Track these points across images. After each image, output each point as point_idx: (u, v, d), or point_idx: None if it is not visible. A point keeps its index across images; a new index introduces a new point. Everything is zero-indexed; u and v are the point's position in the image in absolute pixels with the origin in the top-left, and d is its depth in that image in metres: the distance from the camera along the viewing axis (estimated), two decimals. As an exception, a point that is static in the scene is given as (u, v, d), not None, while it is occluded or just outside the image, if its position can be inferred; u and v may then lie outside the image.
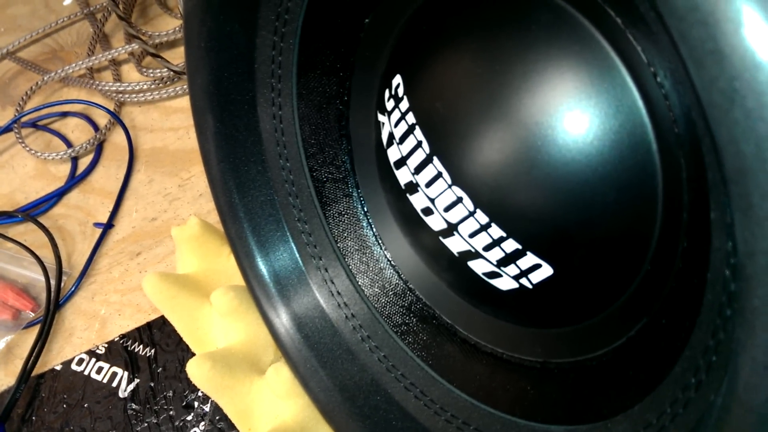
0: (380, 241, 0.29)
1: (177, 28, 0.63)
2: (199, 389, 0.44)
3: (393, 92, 0.23)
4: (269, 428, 0.30)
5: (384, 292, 0.29)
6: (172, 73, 0.60)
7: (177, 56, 0.63)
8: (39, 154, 0.58)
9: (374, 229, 0.29)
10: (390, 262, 0.29)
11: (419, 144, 0.22)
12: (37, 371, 0.47)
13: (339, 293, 0.29)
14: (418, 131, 0.22)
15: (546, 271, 0.20)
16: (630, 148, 0.18)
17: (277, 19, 0.26)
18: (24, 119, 0.60)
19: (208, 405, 0.44)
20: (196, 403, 0.44)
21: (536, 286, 0.21)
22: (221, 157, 0.29)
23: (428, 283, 0.28)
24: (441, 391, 0.25)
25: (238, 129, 0.29)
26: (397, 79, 0.23)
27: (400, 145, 0.23)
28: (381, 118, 0.25)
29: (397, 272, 0.29)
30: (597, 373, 0.22)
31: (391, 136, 0.24)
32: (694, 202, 0.17)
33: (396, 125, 0.23)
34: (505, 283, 0.22)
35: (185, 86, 0.60)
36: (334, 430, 0.28)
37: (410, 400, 0.26)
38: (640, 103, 0.17)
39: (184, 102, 0.61)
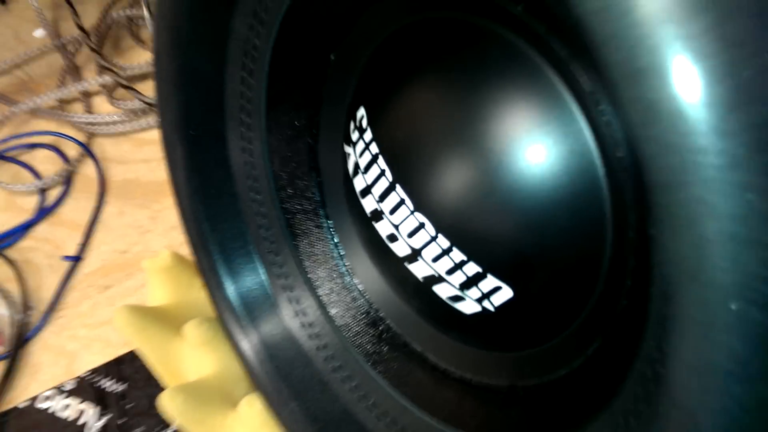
0: (350, 271, 0.31)
1: (150, 61, 0.66)
2: (170, 426, 0.46)
3: (357, 124, 0.25)
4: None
5: (355, 321, 0.31)
6: (144, 105, 0.62)
7: (150, 88, 0.65)
8: (6, 185, 0.60)
9: (344, 260, 0.31)
10: (361, 291, 0.31)
11: (383, 172, 0.24)
12: (1, 408, 0.48)
13: (311, 324, 0.31)
14: (381, 160, 0.24)
15: (507, 293, 0.22)
16: (579, 173, 0.20)
17: (245, 56, 0.28)
18: None
19: None
20: None
21: (498, 308, 0.22)
22: (192, 190, 0.31)
23: (398, 312, 0.29)
24: (412, 418, 0.27)
25: (208, 162, 0.30)
26: (361, 111, 0.25)
27: (364, 175, 0.25)
28: (347, 149, 0.27)
29: (368, 301, 0.30)
30: (558, 393, 0.23)
31: (356, 166, 0.26)
32: (638, 221, 0.19)
33: (360, 155, 0.25)
34: (468, 306, 0.23)
35: (158, 119, 0.62)
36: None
37: (381, 428, 0.27)
38: (586, 130, 0.19)
39: (157, 134, 0.62)
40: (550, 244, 0.21)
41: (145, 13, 0.52)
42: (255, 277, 0.31)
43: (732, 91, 0.11)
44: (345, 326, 0.31)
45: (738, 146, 0.11)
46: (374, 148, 0.24)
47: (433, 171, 0.23)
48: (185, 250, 0.47)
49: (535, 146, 0.20)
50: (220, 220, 0.31)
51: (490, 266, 0.22)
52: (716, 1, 0.11)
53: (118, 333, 0.40)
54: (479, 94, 0.21)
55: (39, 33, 0.73)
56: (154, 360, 0.38)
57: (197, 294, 0.39)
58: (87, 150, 0.63)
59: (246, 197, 0.32)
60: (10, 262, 0.55)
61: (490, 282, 0.22)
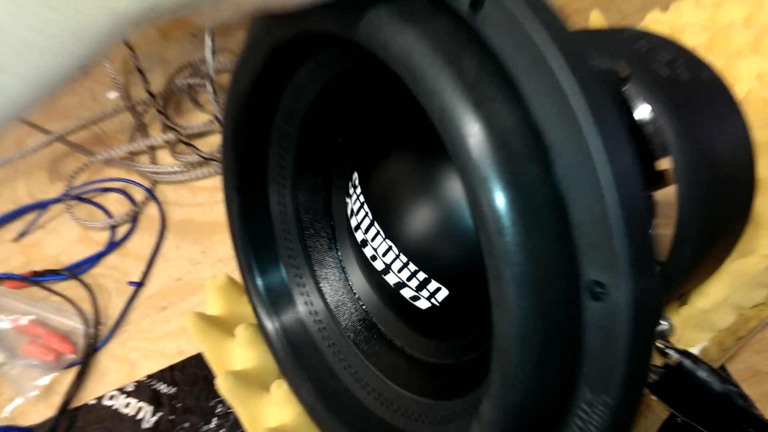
0: (350, 282, 0.41)
1: (205, 122, 0.73)
2: (211, 421, 0.53)
3: (353, 183, 0.36)
4: (273, 427, 0.41)
5: (351, 320, 0.40)
6: (200, 158, 0.69)
7: (205, 144, 0.72)
8: (83, 222, 0.66)
9: (346, 273, 0.41)
10: (356, 297, 0.40)
11: (367, 214, 0.34)
12: (74, 405, 0.55)
13: (320, 321, 0.40)
14: (365, 206, 0.34)
15: (444, 292, 0.32)
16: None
17: (281, 139, 0.38)
18: (72, 193, 0.70)
19: None
20: None
21: (441, 303, 0.32)
22: (242, 228, 0.41)
23: (380, 311, 0.39)
24: (391, 390, 0.36)
25: (254, 210, 0.41)
26: (355, 174, 0.36)
27: (356, 216, 0.35)
28: (347, 200, 0.38)
29: (361, 304, 0.40)
30: (473, 367, 0.32)
31: (352, 211, 0.36)
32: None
33: (354, 203, 0.36)
34: (423, 303, 0.33)
35: (211, 170, 0.70)
36: (318, 427, 0.39)
37: (371, 401, 0.37)
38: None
39: (209, 182, 0.71)
40: (469, 259, 0.30)
41: (209, 87, 0.61)
42: (280, 280, 0.41)
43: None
44: (345, 323, 0.40)
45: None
46: (362, 198, 0.35)
47: (396, 212, 0.33)
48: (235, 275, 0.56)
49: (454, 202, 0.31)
50: (259, 246, 0.41)
51: (432, 274, 0.32)
52: None
53: (188, 332, 0.47)
54: (425, 170, 0.32)
55: (113, 95, 0.78)
56: (211, 354, 0.46)
57: (244, 307, 0.48)
58: (151, 194, 0.69)
59: (279, 234, 0.42)
60: (85, 285, 0.62)
61: (433, 285, 0.32)
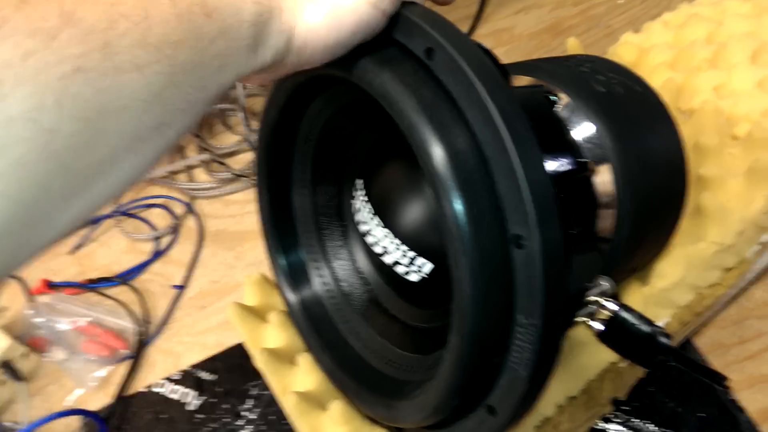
0: (355, 263, 0.50)
1: (236, 142, 0.81)
2: (245, 403, 0.61)
3: (358, 187, 0.46)
4: (300, 391, 0.50)
5: (360, 297, 0.50)
6: (232, 175, 0.78)
7: (236, 162, 0.80)
8: (130, 234, 0.73)
9: (353, 256, 0.50)
10: (364, 279, 0.50)
11: (369, 210, 0.44)
12: (128, 393, 0.62)
13: (331, 293, 0.50)
14: (368, 204, 0.44)
15: (429, 266, 0.41)
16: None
17: (302, 156, 0.49)
18: (120, 209, 0.76)
19: (254, 414, 0.61)
20: (244, 413, 0.60)
21: (428, 275, 0.42)
22: (271, 218, 0.51)
23: (383, 290, 0.48)
24: (393, 352, 0.46)
25: (280, 210, 0.51)
26: (360, 181, 0.46)
27: (361, 212, 0.45)
28: (354, 202, 0.47)
29: (367, 285, 0.50)
30: (440, 334, 0.40)
31: (357, 208, 0.46)
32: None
33: (359, 203, 0.45)
34: (413, 276, 0.42)
35: (242, 185, 0.78)
36: (336, 387, 0.49)
37: (377, 361, 0.46)
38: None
39: (240, 196, 0.79)
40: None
41: (240, 114, 0.70)
42: (298, 258, 0.51)
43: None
44: (351, 294, 0.50)
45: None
46: (365, 198, 0.45)
47: (390, 207, 0.43)
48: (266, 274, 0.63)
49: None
50: (283, 234, 0.51)
51: (419, 252, 0.41)
52: None
53: (230, 320, 0.55)
54: (411, 176, 0.42)
55: None
56: (248, 336, 0.55)
57: (275, 298, 0.56)
58: (190, 208, 0.76)
59: (301, 232, 0.52)
60: (134, 290, 0.69)
61: (420, 260, 0.41)
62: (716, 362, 0.58)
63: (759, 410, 0.54)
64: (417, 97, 0.31)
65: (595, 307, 0.38)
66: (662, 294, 0.50)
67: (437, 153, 0.30)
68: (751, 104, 0.61)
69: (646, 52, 0.69)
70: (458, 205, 0.29)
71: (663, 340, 0.36)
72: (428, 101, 0.31)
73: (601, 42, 0.91)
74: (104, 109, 0.23)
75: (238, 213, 0.77)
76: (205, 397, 0.61)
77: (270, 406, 0.59)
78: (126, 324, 0.67)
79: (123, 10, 0.24)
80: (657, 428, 0.53)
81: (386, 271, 0.44)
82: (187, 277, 0.71)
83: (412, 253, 0.42)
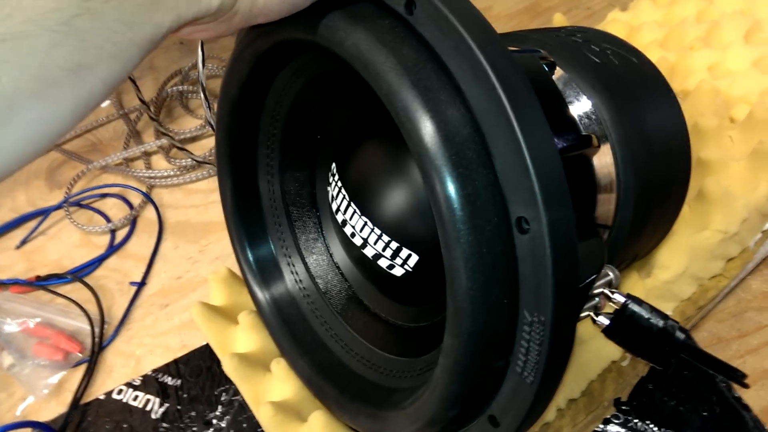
0: (332, 257, 0.46)
1: (197, 126, 0.77)
2: (216, 410, 0.57)
3: (332, 172, 0.42)
4: (276, 401, 0.46)
5: (338, 295, 0.46)
6: (194, 162, 0.74)
7: (198, 148, 0.77)
8: (83, 227, 0.70)
9: (329, 249, 0.46)
10: (342, 275, 0.46)
11: (344, 197, 0.40)
12: (84, 400, 0.59)
13: (305, 289, 0.46)
14: (343, 191, 0.40)
15: (415, 257, 0.37)
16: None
17: (268, 140, 0.44)
18: (71, 200, 0.73)
19: (224, 421, 0.57)
20: (214, 421, 0.56)
21: (413, 268, 0.38)
22: (235, 208, 0.47)
23: (363, 286, 0.44)
24: (377, 356, 0.42)
25: (246, 195, 0.47)
26: (334, 165, 0.42)
27: (336, 200, 0.41)
28: (328, 188, 0.43)
29: (346, 281, 0.46)
30: (429, 333, 0.38)
31: (332, 197, 0.42)
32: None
33: (334, 190, 0.41)
34: (398, 270, 0.38)
35: (204, 172, 0.75)
36: (314, 394, 0.44)
37: (360, 366, 0.42)
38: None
39: (203, 185, 0.75)
40: (431, 228, 0.33)
41: (201, 96, 0.66)
42: (268, 251, 0.47)
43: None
44: (326, 290, 0.46)
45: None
46: (340, 184, 0.40)
47: (369, 193, 0.39)
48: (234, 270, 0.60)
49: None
50: (250, 226, 0.46)
51: (404, 243, 0.37)
52: None
53: (194, 321, 0.52)
54: (392, 155, 0.38)
55: (106, 104, 0.82)
56: (215, 340, 0.51)
57: (245, 297, 0.52)
58: (148, 198, 0.73)
59: (270, 224, 0.48)
60: (88, 287, 0.66)
61: (405, 252, 0.37)
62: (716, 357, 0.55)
63: (765, 407, 0.51)
64: (397, 57, 0.27)
65: (599, 299, 0.34)
66: (664, 286, 0.48)
67: (423, 123, 0.26)
68: (747, 85, 0.59)
69: (635, 31, 0.67)
70: (450, 184, 0.25)
71: (680, 335, 0.33)
72: (410, 62, 0.27)
73: (583, 23, 0.89)
74: None
75: (202, 203, 0.74)
76: (169, 404, 0.58)
77: (242, 413, 0.56)
78: (80, 325, 0.63)
79: None
80: (658, 428, 0.50)
81: (367, 266, 0.41)
82: (147, 273, 0.68)
83: (395, 244, 0.38)
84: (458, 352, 0.28)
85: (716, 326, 0.58)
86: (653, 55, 0.62)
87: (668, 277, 0.48)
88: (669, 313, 0.48)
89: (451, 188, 0.25)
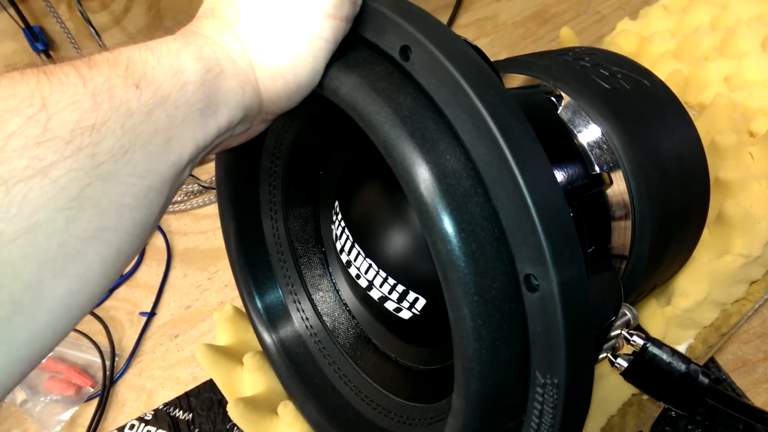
0: (343, 301, 0.45)
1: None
2: None
3: (335, 210, 0.40)
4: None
5: (343, 329, 0.44)
6: (201, 187, 0.73)
7: (204, 173, 0.76)
8: None
9: (336, 286, 0.44)
10: (350, 315, 0.44)
11: (348, 237, 0.38)
12: None
13: (313, 328, 0.44)
14: (347, 231, 0.38)
15: (423, 301, 0.35)
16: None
17: (270, 177, 0.43)
18: None
19: None
20: None
21: (421, 312, 0.36)
22: (240, 252, 0.45)
23: (372, 326, 0.43)
24: (388, 400, 0.40)
25: (250, 238, 0.45)
26: (337, 203, 0.40)
27: (340, 240, 0.39)
28: (332, 226, 0.42)
29: (355, 321, 0.44)
30: (441, 377, 0.36)
31: (336, 235, 0.40)
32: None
33: (337, 229, 0.40)
34: (405, 313, 0.37)
35: (212, 197, 0.73)
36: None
37: (370, 411, 0.40)
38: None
39: (210, 209, 0.74)
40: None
41: None
42: (275, 294, 0.45)
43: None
44: (335, 331, 0.44)
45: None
46: (343, 223, 0.39)
47: (372, 234, 0.37)
48: (238, 302, 0.59)
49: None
50: (256, 269, 0.45)
51: (409, 285, 0.36)
52: None
53: (199, 363, 0.50)
54: (394, 195, 0.36)
55: None
56: (222, 382, 0.50)
57: (251, 335, 0.51)
58: (157, 226, 0.74)
59: (275, 262, 0.46)
60: (99, 319, 0.65)
61: (411, 295, 0.35)
62: (742, 381, 0.53)
63: (795, 436, 0.48)
64: (393, 106, 0.25)
65: (617, 340, 0.32)
66: (685, 314, 0.45)
67: (422, 175, 0.24)
68: (767, 96, 0.56)
69: (647, 41, 0.64)
70: (452, 240, 0.23)
71: (703, 379, 0.31)
72: (407, 111, 0.25)
73: (592, 29, 0.86)
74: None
75: (209, 228, 0.73)
76: None
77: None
78: (91, 358, 0.63)
79: (10, 105, 0.20)
80: (682, 460, 0.47)
81: (374, 306, 0.39)
82: (156, 303, 0.67)
83: (401, 288, 0.36)
84: (467, 414, 0.26)
85: (741, 348, 0.55)
86: (666, 67, 0.59)
87: (689, 305, 0.45)
88: (690, 341, 0.46)
89: (455, 245, 0.24)
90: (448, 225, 0.24)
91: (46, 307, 0.20)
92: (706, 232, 0.46)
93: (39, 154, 0.19)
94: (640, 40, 0.65)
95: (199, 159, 0.26)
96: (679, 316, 0.46)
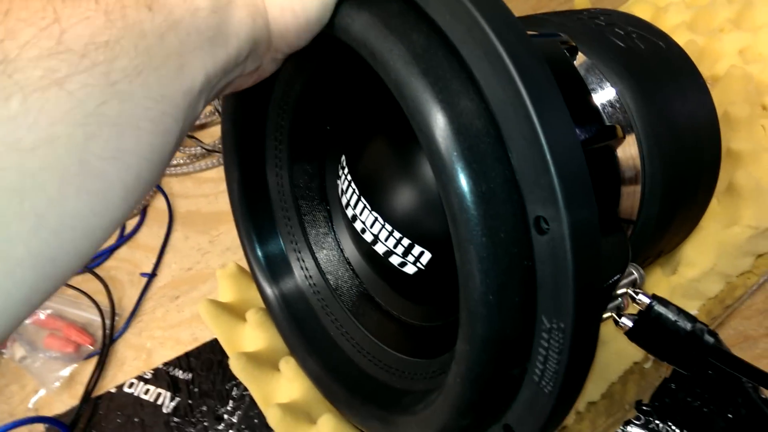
0: (343, 252, 0.44)
1: (206, 114, 0.76)
2: (227, 404, 0.56)
3: (342, 164, 0.40)
4: (284, 402, 0.44)
5: (345, 285, 0.44)
6: (203, 150, 0.73)
7: (207, 136, 0.76)
8: None
9: (340, 244, 0.44)
10: (353, 272, 0.44)
11: (354, 191, 0.38)
12: (95, 393, 0.58)
13: (315, 285, 0.44)
14: (353, 184, 0.38)
15: (427, 255, 0.35)
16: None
17: (276, 131, 0.42)
18: None
19: (235, 416, 0.56)
20: (225, 416, 0.56)
21: (426, 266, 0.36)
22: (243, 201, 0.45)
23: (375, 283, 0.43)
24: (388, 355, 0.40)
25: (254, 187, 0.45)
26: (343, 157, 0.40)
27: (345, 194, 0.39)
28: (338, 182, 0.41)
29: (357, 278, 0.44)
30: (443, 333, 0.36)
31: (342, 190, 0.40)
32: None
33: (343, 183, 0.40)
34: (410, 268, 0.37)
35: (214, 161, 0.73)
36: (324, 395, 0.43)
37: (371, 366, 0.41)
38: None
39: (213, 173, 0.74)
40: (443, 224, 0.33)
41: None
42: (277, 247, 0.45)
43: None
44: (337, 286, 0.44)
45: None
46: (349, 177, 0.39)
47: (380, 187, 0.37)
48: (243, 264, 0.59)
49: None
50: (258, 220, 0.45)
51: (415, 239, 0.35)
52: None
53: (202, 319, 0.51)
54: (402, 148, 0.35)
55: None
56: (224, 338, 0.50)
57: (253, 293, 0.51)
58: (158, 187, 0.72)
59: (279, 217, 0.46)
60: (99, 278, 0.65)
61: (417, 249, 0.35)
62: (743, 356, 0.51)
63: (795, 409, 0.49)
64: (406, 44, 0.25)
65: (622, 299, 0.32)
66: (690, 284, 0.45)
67: (434, 115, 0.24)
68: (782, 70, 0.55)
69: (662, 12, 0.64)
70: (463, 182, 0.23)
71: (708, 338, 0.31)
72: (420, 49, 0.25)
73: (605, 3, 0.85)
74: (18, 145, 0.19)
75: (212, 192, 0.73)
76: (180, 398, 0.57)
77: (253, 407, 0.55)
78: (91, 316, 0.63)
79: (23, 15, 0.20)
80: (680, 430, 0.47)
81: (378, 262, 0.39)
82: (157, 264, 0.67)
83: (407, 241, 0.36)
84: (472, 360, 0.26)
85: (743, 323, 0.55)
86: (681, 38, 0.59)
87: (694, 275, 0.45)
88: (694, 312, 0.46)
89: (464, 186, 0.23)
90: (458, 165, 0.23)
91: (70, 224, 0.20)
92: (714, 202, 0.46)
93: (54, 65, 0.19)
94: (655, 11, 0.64)
95: (209, 94, 0.26)
96: (684, 286, 0.46)
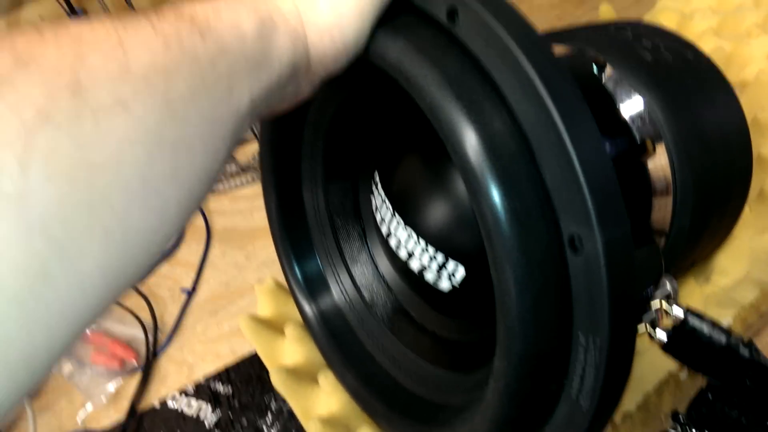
0: (381, 274, 0.45)
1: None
2: (265, 415, 0.56)
3: (375, 181, 0.40)
4: (323, 415, 0.45)
5: (384, 307, 0.45)
6: (238, 168, 0.74)
7: (242, 154, 0.77)
8: None
9: (374, 259, 0.45)
10: (388, 287, 0.45)
11: (388, 207, 0.38)
12: (140, 407, 0.59)
13: (357, 311, 0.45)
14: (387, 201, 0.38)
15: (462, 271, 0.35)
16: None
17: (311, 150, 0.43)
18: None
19: (274, 429, 0.56)
20: (264, 429, 0.56)
21: (460, 284, 0.36)
22: (280, 223, 0.46)
23: (410, 298, 0.43)
24: (424, 369, 0.40)
25: (291, 207, 0.46)
26: (377, 174, 0.40)
27: (379, 211, 0.40)
28: (372, 198, 0.42)
29: (392, 293, 0.44)
30: (479, 347, 0.36)
31: (376, 207, 0.41)
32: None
33: (377, 199, 0.40)
34: (444, 284, 0.37)
35: (249, 178, 0.75)
36: (362, 408, 0.43)
37: (407, 381, 0.41)
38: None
39: (248, 191, 0.75)
40: (478, 239, 0.33)
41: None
42: (314, 264, 0.46)
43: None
44: (382, 316, 0.45)
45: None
46: (383, 194, 0.39)
47: (413, 203, 0.38)
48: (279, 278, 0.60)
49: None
50: (296, 238, 0.46)
51: (450, 255, 0.36)
52: None
53: (242, 333, 0.52)
54: (435, 164, 0.36)
55: None
56: (263, 352, 0.51)
57: (291, 307, 0.52)
58: None
59: (316, 235, 0.47)
60: (142, 295, 0.66)
61: (451, 265, 0.36)
62: None
63: (836, 419, 0.48)
64: (440, 69, 0.25)
65: (657, 313, 0.32)
66: (724, 293, 0.45)
67: (469, 137, 0.24)
68: (811, 74, 0.54)
69: (688, 18, 0.63)
70: (498, 201, 0.24)
71: (744, 351, 0.30)
72: (454, 74, 0.25)
73: (630, 10, 0.84)
74: (88, 163, 0.19)
75: (247, 209, 0.74)
76: (221, 412, 0.58)
77: (292, 420, 0.55)
78: (135, 332, 0.64)
79: (90, 39, 0.21)
80: (718, 440, 0.47)
81: (412, 278, 0.39)
82: (197, 280, 0.68)
83: (441, 257, 0.36)
84: (509, 376, 0.27)
85: (781, 330, 0.54)
86: (708, 44, 0.58)
87: (728, 283, 0.45)
88: (729, 320, 0.45)
89: (499, 205, 0.24)
90: (493, 185, 0.24)
91: (133, 239, 0.21)
92: (746, 209, 0.45)
93: (119, 88, 0.20)
94: (681, 17, 0.64)
95: (252, 117, 0.26)
96: (717, 295, 0.45)
